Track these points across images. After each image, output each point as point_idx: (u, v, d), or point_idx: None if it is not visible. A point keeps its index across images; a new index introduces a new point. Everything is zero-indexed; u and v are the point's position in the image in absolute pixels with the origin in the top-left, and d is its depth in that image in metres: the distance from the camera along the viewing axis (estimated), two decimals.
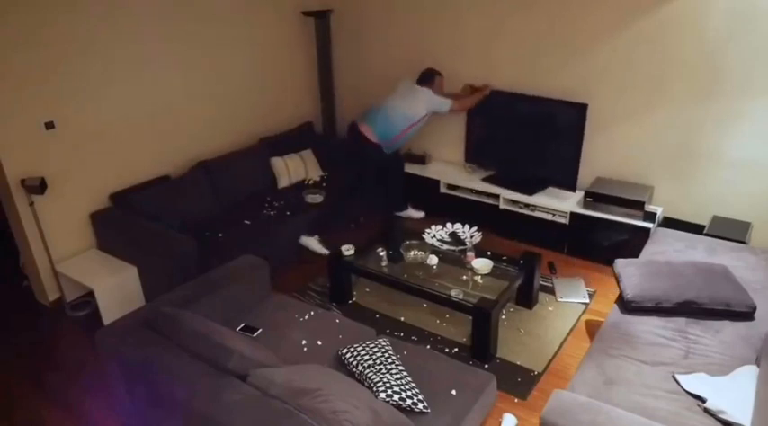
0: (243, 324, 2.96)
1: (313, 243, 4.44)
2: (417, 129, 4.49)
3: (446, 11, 4.69)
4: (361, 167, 4.56)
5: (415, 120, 4.37)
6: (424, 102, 4.33)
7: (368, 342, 2.69)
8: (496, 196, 4.56)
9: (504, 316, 3.66)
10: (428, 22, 4.83)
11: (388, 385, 2.34)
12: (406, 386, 2.38)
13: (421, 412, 2.34)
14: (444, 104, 4.37)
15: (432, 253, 3.61)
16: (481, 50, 4.64)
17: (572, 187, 4.34)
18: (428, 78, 4.46)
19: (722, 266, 3.09)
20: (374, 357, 2.56)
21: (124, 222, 3.94)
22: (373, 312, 3.76)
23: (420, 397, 2.37)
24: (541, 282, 3.98)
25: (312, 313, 3.06)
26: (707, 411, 2.31)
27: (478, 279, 3.45)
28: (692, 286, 2.92)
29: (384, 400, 2.28)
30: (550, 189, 4.51)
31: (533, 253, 3.61)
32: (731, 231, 3.77)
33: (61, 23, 3.63)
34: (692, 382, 2.45)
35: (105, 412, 3.05)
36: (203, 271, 3.19)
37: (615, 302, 3.09)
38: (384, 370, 2.46)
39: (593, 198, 4.16)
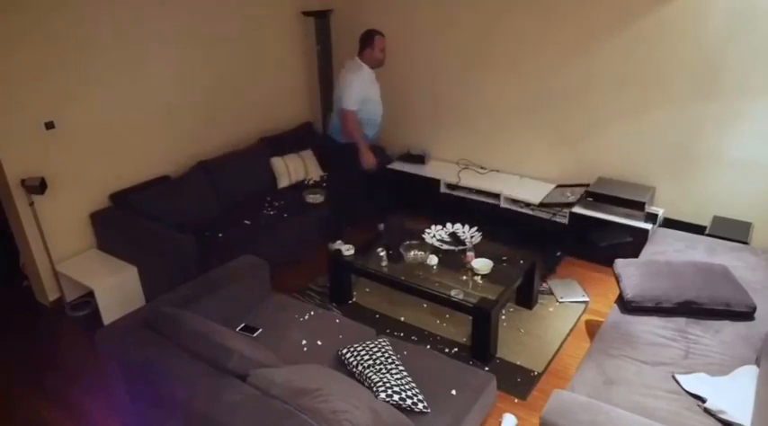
0: (243, 324, 2.95)
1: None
2: (367, 122, 3.96)
3: (442, 9, 4.69)
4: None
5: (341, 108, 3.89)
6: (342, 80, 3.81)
7: (368, 342, 2.68)
8: (497, 195, 4.56)
9: (504, 316, 3.65)
10: (427, 21, 4.83)
11: (388, 385, 2.34)
12: (406, 386, 2.38)
13: (421, 412, 2.34)
14: (342, 100, 3.85)
15: (432, 253, 3.61)
16: (477, 48, 4.65)
17: None
18: (364, 42, 3.88)
19: (722, 266, 3.08)
20: (374, 357, 2.56)
21: (124, 222, 3.94)
22: (373, 312, 3.76)
23: (420, 397, 2.37)
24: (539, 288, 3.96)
25: (312, 313, 3.06)
26: (707, 411, 2.31)
27: (478, 279, 3.44)
28: (692, 286, 2.91)
29: (384, 400, 2.27)
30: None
31: (533, 253, 3.61)
32: (732, 231, 3.76)
33: (61, 23, 3.63)
34: (692, 382, 2.45)
35: (105, 412, 3.05)
36: (203, 271, 3.18)
37: (615, 302, 3.09)
38: (384, 370, 2.46)
39: (593, 197, 4.15)
